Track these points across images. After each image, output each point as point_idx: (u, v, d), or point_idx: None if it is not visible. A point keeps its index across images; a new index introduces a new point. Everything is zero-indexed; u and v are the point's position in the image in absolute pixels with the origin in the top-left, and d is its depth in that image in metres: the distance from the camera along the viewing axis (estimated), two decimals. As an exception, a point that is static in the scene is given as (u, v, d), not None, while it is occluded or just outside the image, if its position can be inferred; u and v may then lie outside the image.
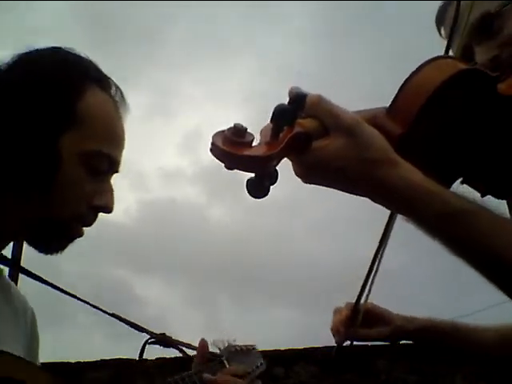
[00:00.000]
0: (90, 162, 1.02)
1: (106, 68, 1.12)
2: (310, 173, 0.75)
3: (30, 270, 1.14)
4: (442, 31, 1.15)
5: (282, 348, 3.96)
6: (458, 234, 0.73)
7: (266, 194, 0.69)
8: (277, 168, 0.71)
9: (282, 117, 0.68)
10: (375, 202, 0.78)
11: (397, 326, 1.26)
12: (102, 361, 3.79)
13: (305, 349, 3.93)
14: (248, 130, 0.68)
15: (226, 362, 1.25)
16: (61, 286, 1.14)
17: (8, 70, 1.04)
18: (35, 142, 0.99)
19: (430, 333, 1.27)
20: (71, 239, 1.07)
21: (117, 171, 1.09)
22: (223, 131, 0.67)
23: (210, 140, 0.67)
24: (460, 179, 0.96)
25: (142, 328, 1.21)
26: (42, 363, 1.23)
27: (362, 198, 0.78)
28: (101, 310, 1.17)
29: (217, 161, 0.67)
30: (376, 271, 1.21)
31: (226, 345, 1.30)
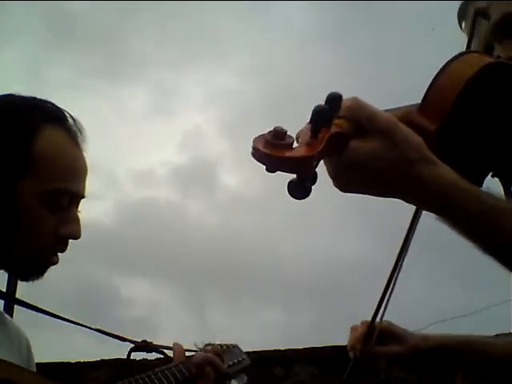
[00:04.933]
0: (51, 200, 1.05)
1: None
2: (345, 175, 0.75)
3: (24, 301, 1.19)
4: (463, 25, 1.18)
5: (282, 348, 3.97)
6: (491, 231, 0.74)
7: (308, 195, 0.69)
8: (316, 170, 0.71)
9: (321, 117, 0.68)
10: (409, 203, 0.79)
11: (412, 345, 1.28)
12: (102, 361, 3.80)
13: (305, 349, 3.93)
14: (288, 133, 0.68)
15: None
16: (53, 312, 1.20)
17: None
18: None
19: (444, 350, 1.30)
20: (45, 268, 1.10)
21: (82, 198, 1.11)
22: (263, 135, 0.67)
23: (251, 144, 0.67)
24: (491, 173, 0.97)
25: (125, 338, 1.29)
26: (41, 363, 1.25)
27: (386, 199, 0.78)
28: (87, 327, 1.23)
29: (259, 164, 0.67)
30: (392, 289, 1.24)
31: (205, 344, 1.36)
